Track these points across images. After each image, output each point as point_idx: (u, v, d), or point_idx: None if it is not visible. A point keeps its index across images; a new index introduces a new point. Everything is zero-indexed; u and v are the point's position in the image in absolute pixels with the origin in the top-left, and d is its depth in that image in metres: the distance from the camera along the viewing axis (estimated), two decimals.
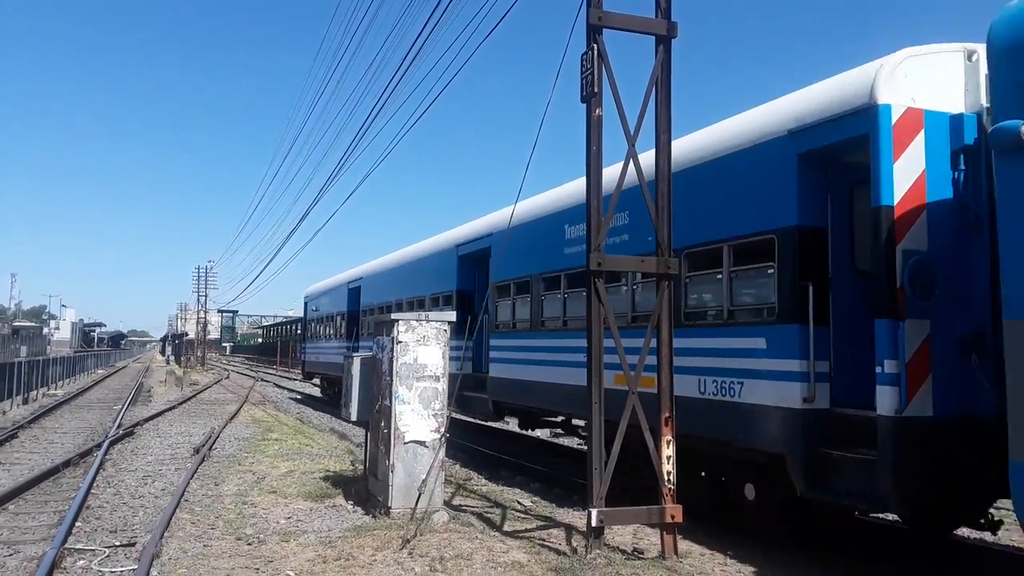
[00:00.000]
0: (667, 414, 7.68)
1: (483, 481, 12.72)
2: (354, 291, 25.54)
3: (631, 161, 7.82)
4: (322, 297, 30.60)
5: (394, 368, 8.73)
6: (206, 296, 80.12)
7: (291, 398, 34.10)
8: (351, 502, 9.75)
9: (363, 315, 24.10)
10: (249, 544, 7.72)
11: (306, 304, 33.85)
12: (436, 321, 8.98)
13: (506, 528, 8.67)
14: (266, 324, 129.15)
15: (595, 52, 7.57)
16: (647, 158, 8.14)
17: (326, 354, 28.74)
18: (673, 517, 7.48)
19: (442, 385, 8.88)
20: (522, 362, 13.19)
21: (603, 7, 7.68)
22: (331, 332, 28.57)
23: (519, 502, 10.61)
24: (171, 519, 8.62)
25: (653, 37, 7.91)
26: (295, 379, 53.84)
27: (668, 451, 7.64)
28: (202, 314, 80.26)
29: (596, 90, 7.56)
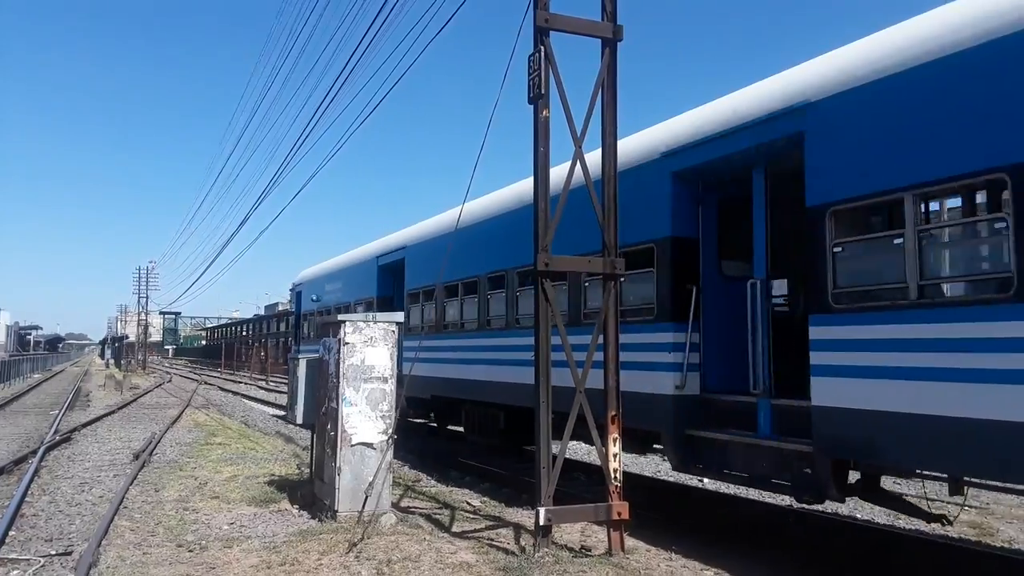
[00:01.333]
0: (613, 412, 7.77)
1: (432, 482, 12.68)
2: (392, 268, 17.80)
3: (579, 162, 7.89)
4: (331, 282, 22.12)
5: (341, 370, 8.64)
6: (147, 298, 78.20)
7: (236, 401, 33.48)
8: (297, 506, 9.62)
9: (410, 300, 17.10)
10: (190, 551, 7.55)
11: (299, 295, 24.95)
12: (384, 322, 8.92)
13: (455, 529, 8.65)
14: (210, 326, 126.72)
15: (542, 54, 7.62)
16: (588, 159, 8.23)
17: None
18: (620, 514, 7.57)
19: (390, 386, 8.83)
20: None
21: (550, 9, 7.74)
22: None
23: (468, 502, 10.60)
24: (109, 527, 8.38)
25: (599, 40, 8.00)
26: (240, 382, 52.94)
27: (615, 449, 7.72)
28: (143, 316, 78.22)
29: (543, 91, 7.61)
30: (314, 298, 22.48)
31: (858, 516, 10.27)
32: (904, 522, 9.72)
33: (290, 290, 26.78)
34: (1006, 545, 8.87)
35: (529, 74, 7.74)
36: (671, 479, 12.92)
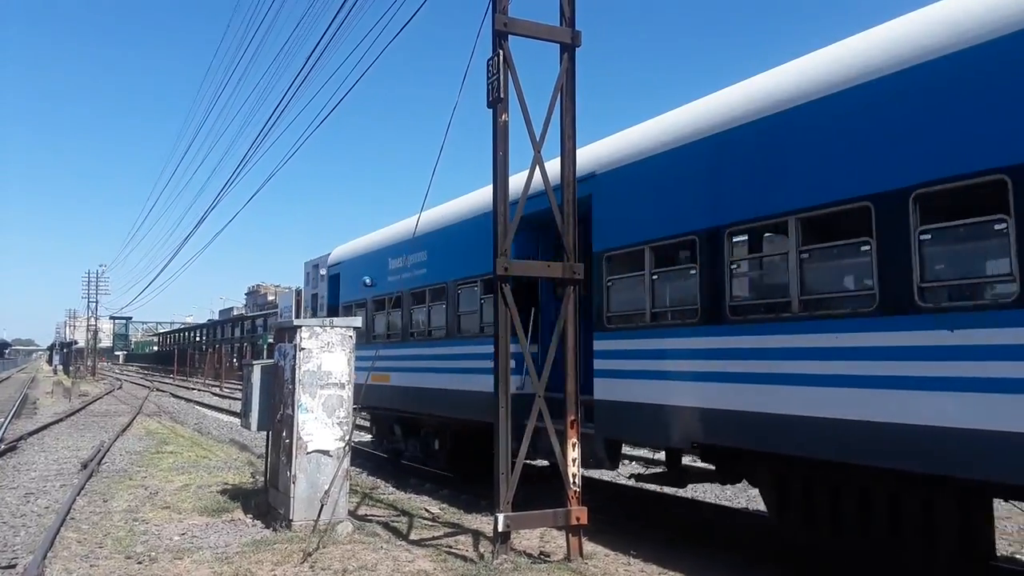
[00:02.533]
0: (572, 417, 7.77)
1: (390, 489, 12.55)
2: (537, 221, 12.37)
3: (537, 167, 7.89)
4: (403, 255, 14.17)
5: (297, 376, 8.49)
6: (96, 302, 76.34)
7: (189, 409, 32.81)
8: (250, 516, 9.42)
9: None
10: (139, 563, 7.34)
11: (334, 281, 17.59)
12: (341, 327, 8.80)
13: (413, 537, 8.56)
14: (163, 331, 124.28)
15: (500, 58, 7.60)
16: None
17: (438, 371, 12.76)
18: (579, 519, 7.56)
19: (347, 392, 8.71)
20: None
21: (509, 14, 7.72)
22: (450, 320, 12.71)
23: (427, 510, 10.51)
24: (55, 538, 8.11)
25: (558, 45, 8.01)
26: (194, 389, 51.95)
27: (574, 454, 7.72)
28: (93, 321, 76.32)
29: (502, 96, 7.59)
30: (368, 282, 15.38)
31: None
32: None
33: (305, 271, 20.31)
34: None
35: (488, 78, 7.72)
36: (631, 484, 12.97)
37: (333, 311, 17.10)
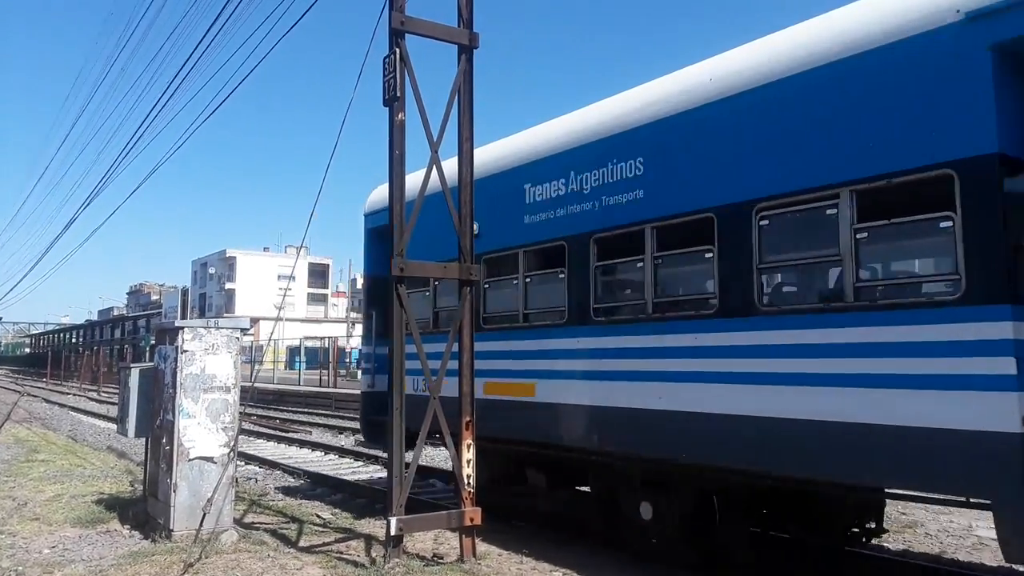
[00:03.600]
0: (468, 418, 7.77)
1: (280, 496, 12.19)
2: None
3: (434, 167, 7.85)
4: (563, 174, 8.45)
5: (178, 379, 8.12)
6: None
7: (63, 414, 30.89)
8: (128, 526, 8.95)
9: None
10: None
11: (386, 231, 8.08)
12: (227, 328, 8.48)
13: (302, 544, 8.33)
14: (36, 332, 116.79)
15: (397, 56, 7.51)
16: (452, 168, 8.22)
17: (686, 378, 7.14)
18: (472, 520, 7.56)
19: (233, 396, 8.39)
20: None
21: (406, 12, 7.64)
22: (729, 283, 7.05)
23: (318, 515, 10.26)
24: None
25: (456, 46, 7.99)
26: (69, 393, 48.95)
27: (468, 455, 7.72)
28: None
29: (399, 94, 7.51)
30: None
31: None
32: None
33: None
34: None
35: (384, 76, 7.62)
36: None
37: (376, 286, 11.15)
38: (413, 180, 8.86)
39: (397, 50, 7.54)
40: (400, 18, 7.59)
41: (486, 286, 9.31)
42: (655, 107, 7.52)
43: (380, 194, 11.27)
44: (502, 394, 8.91)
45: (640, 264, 7.43)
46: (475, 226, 8.27)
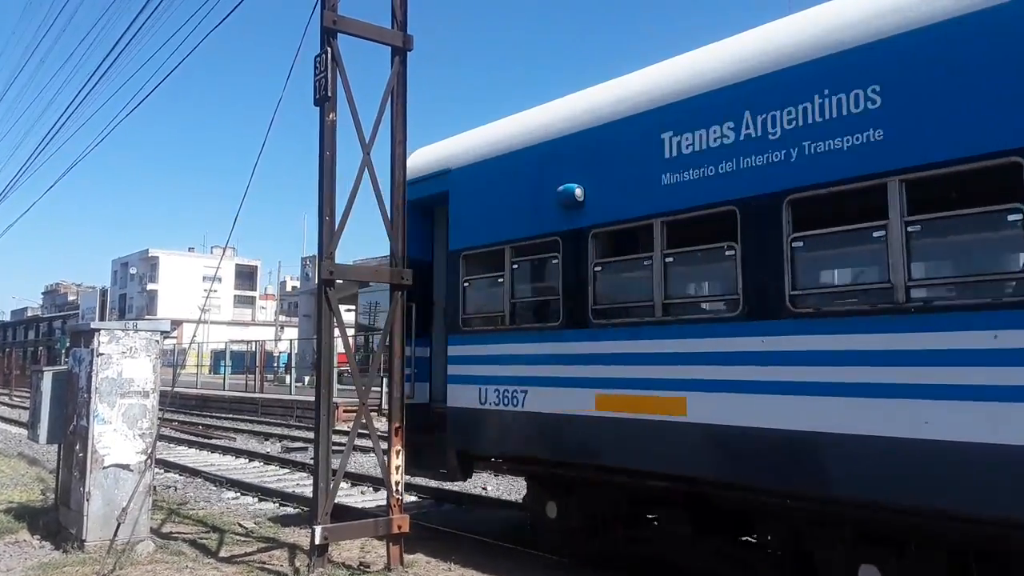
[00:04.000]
0: (397, 424, 7.68)
1: (201, 505, 11.82)
2: None
3: (366, 169, 7.74)
4: (731, 115, 6.26)
5: (93, 384, 7.80)
6: None
7: None
8: (38, 536, 8.55)
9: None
10: None
11: (446, 199, 8.92)
12: (146, 331, 8.19)
13: (223, 553, 8.09)
14: None
15: (329, 55, 7.39)
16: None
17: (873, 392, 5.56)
18: (400, 528, 7.46)
19: (151, 401, 8.11)
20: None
21: (338, 11, 7.53)
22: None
23: (241, 524, 9.97)
24: None
25: (389, 48, 7.91)
26: None
27: (397, 461, 7.62)
28: None
29: (330, 94, 7.39)
30: (578, 197, 7.30)
31: None
32: None
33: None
34: None
35: (315, 75, 7.49)
36: (456, 488, 13.00)
37: (421, 269, 8.85)
38: (486, 136, 8.73)
39: (329, 49, 7.42)
40: (332, 17, 7.47)
41: (598, 269, 7.16)
42: (903, 14, 5.36)
43: (420, 158, 9.52)
44: (624, 411, 6.75)
45: (880, 233, 5.26)
46: (578, 192, 7.09)
